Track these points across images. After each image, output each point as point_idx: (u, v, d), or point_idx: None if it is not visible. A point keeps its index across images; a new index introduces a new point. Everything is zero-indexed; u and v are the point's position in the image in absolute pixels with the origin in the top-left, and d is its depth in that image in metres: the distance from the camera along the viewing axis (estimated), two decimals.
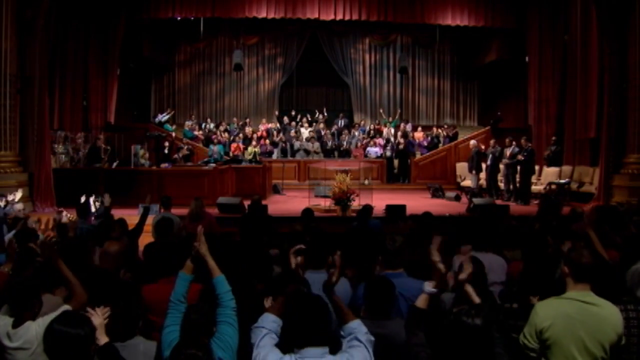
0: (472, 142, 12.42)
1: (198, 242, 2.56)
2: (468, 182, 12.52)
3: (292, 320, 2.07)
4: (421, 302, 2.36)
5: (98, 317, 2.28)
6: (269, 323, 2.22)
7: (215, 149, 13.61)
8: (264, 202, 9.28)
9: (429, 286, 2.39)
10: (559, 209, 7.73)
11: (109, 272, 3.39)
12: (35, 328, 2.50)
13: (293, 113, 16.76)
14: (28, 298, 2.61)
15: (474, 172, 11.70)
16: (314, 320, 2.03)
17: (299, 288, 2.72)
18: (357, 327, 2.21)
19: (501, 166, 11.28)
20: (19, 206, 6.91)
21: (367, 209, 6.71)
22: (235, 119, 16.81)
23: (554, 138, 12.13)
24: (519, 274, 3.39)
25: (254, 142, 14.48)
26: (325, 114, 16.58)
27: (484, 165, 11.75)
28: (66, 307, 2.63)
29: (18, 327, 2.53)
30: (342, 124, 16.32)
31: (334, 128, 16.04)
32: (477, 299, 2.46)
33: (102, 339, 2.24)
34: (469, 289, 2.50)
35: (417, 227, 5.52)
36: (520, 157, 10.51)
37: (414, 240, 4.52)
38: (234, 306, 2.42)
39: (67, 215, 6.69)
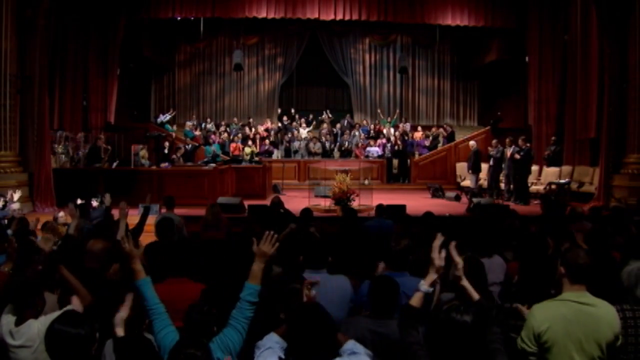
0: (472, 142, 12.45)
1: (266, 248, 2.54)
2: (468, 182, 12.53)
3: (294, 333, 2.06)
4: (415, 300, 2.33)
5: (124, 310, 2.31)
6: (272, 343, 2.21)
7: (212, 149, 13.62)
8: (263, 202, 9.30)
9: (424, 285, 2.36)
10: (564, 209, 7.70)
11: (106, 273, 3.39)
12: (37, 326, 2.52)
13: (292, 111, 16.76)
14: (30, 296, 2.62)
15: (470, 171, 11.74)
16: (315, 331, 2.02)
17: (297, 288, 2.72)
18: (352, 346, 2.20)
19: (503, 166, 11.29)
20: (15, 206, 6.90)
21: (380, 208, 6.76)
22: (235, 119, 16.81)
23: (553, 138, 12.13)
24: (517, 274, 3.38)
25: (250, 142, 14.49)
26: (330, 115, 16.58)
27: (484, 166, 11.77)
28: (70, 307, 2.64)
29: (20, 325, 2.55)
30: (346, 124, 16.31)
31: (337, 127, 16.02)
32: (476, 295, 2.41)
33: (120, 331, 2.27)
34: (466, 283, 2.44)
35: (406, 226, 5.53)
36: (517, 156, 10.52)
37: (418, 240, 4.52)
38: (249, 316, 2.40)
39: (62, 216, 6.67)
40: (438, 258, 2.38)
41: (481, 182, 12.10)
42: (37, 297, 2.65)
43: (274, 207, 7.09)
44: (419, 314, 2.31)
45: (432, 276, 2.38)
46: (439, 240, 2.44)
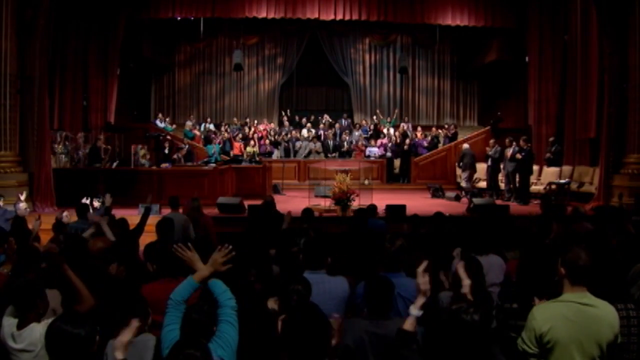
0: (465, 145, 12.58)
1: (218, 258, 2.48)
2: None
3: (290, 335, 2.06)
4: (409, 325, 2.35)
5: (126, 334, 2.25)
6: None
7: (215, 148, 13.63)
8: (264, 202, 9.27)
9: (414, 309, 2.37)
10: (564, 210, 7.70)
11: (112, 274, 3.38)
12: (39, 330, 2.49)
13: (289, 112, 16.75)
14: (32, 299, 2.60)
15: (460, 169, 11.91)
16: (312, 334, 2.02)
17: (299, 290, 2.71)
18: None
19: (502, 166, 11.31)
20: (23, 205, 6.90)
21: (372, 208, 6.73)
22: (235, 119, 16.81)
23: (551, 139, 12.12)
24: (516, 273, 3.38)
25: (252, 142, 14.50)
26: (330, 119, 16.56)
27: (483, 166, 11.79)
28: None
29: (22, 328, 2.52)
30: (345, 124, 16.30)
31: (337, 128, 15.99)
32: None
33: (120, 355, 2.23)
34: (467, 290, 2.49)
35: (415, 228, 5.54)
36: (518, 156, 10.52)
37: (416, 241, 4.54)
38: (233, 305, 2.41)
39: (67, 216, 6.68)
40: (423, 282, 2.39)
41: (480, 182, 12.13)
42: (39, 299, 2.63)
43: (266, 207, 7.05)
44: (413, 338, 2.33)
45: (421, 300, 2.40)
46: (423, 265, 2.46)
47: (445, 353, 2.11)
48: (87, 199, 6.86)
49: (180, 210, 6.44)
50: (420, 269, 2.46)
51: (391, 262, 3.26)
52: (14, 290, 2.64)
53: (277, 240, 4.88)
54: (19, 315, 2.57)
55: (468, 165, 11.86)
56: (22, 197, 7.62)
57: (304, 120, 16.31)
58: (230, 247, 2.51)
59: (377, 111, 17.05)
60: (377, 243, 4.40)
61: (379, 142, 15.04)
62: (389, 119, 16.46)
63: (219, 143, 14.30)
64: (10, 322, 2.56)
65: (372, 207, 6.80)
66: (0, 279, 3.01)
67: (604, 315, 2.42)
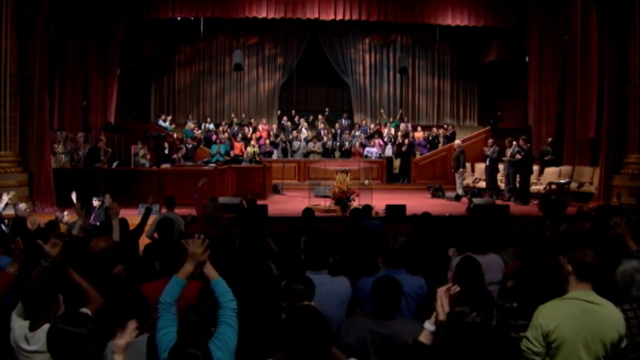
0: (457, 142, 12.59)
1: (195, 249, 2.50)
2: (468, 182, 12.55)
3: (288, 337, 2.06)
4: (424, 337, 2.34)
5: (125, 336, 2.25)
6: None
7: (219, 148, 13.64)
8: (264, 202, 9.29)
9: (429, 324, 2.34)
10: (563, 209, 7.69)
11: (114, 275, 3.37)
12: None
13: (293, 112, 16.74)
14: (44, 300, 2.57)
15: (454, 171, 11.90)
16: (311, 336, 2.02)
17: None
18: None
19: (501, 166, 11.31)
20: (23, 206, 6.86)
21: (366, 209, 6.71)
22: (234, 117, 16.81)
23: (549, 139, 12.11)
24: (514, 273, 3.38)
25: (252, 142, 14.49)
26: (327, 112, 16.55)
27: (482, 166, 11.79)
28: (85, 310, 2.60)
29: (35, 330, 2.49)
30: (345, 124, 16.30)
31: (336, 127, 15.99)
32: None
33: (119, 358, 2.23)
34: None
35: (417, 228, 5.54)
36: (518, 156, 10.52)
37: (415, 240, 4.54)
38: (234, 307, 2.42)
39: (68, 215, 6.68)
40: (443, 301, 2.35)
41: (480, 182, 12.12)
42: (50, 300, 2.60)
43: (249, 205, 6.99)
44: (427, 350, 2.32)
45: (438, 316, 2.35)
46: (451, 288, 2.39)
47: (449, 354, 2.12)
48: (77, 200, 6.76)
49: (176, 210, 6.45)
50: (444, 289, 2.36)
51: (393, 259, 3.28)
52: (26, 292, 2.60)
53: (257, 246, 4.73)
54: (30, 316, 2.55)
55: (461, 167, 11.89)
56: (7, 197, 7.48)
57: (302, 120, 16.30)
58: (202, 236, 2.54)
59: (382, 111, 17.07)
60: (372, 243, 4.41)
61: (376, 142, 15.03)
62: (391, 119, 16.47)
63: (221, 143, 14.28)
64: (21, 324, 2.53)
65: (367, 208, 6.77)
66: (7, 279, 2.99)
67: (608, 314, 2.43)
